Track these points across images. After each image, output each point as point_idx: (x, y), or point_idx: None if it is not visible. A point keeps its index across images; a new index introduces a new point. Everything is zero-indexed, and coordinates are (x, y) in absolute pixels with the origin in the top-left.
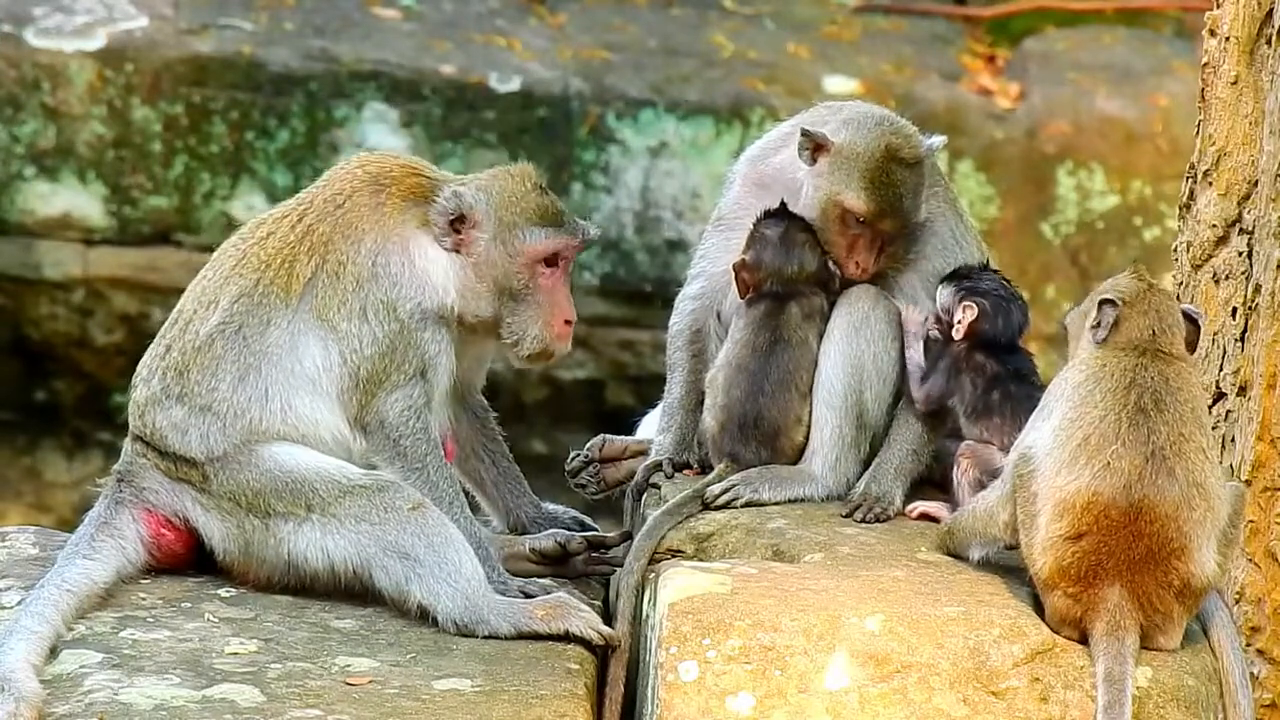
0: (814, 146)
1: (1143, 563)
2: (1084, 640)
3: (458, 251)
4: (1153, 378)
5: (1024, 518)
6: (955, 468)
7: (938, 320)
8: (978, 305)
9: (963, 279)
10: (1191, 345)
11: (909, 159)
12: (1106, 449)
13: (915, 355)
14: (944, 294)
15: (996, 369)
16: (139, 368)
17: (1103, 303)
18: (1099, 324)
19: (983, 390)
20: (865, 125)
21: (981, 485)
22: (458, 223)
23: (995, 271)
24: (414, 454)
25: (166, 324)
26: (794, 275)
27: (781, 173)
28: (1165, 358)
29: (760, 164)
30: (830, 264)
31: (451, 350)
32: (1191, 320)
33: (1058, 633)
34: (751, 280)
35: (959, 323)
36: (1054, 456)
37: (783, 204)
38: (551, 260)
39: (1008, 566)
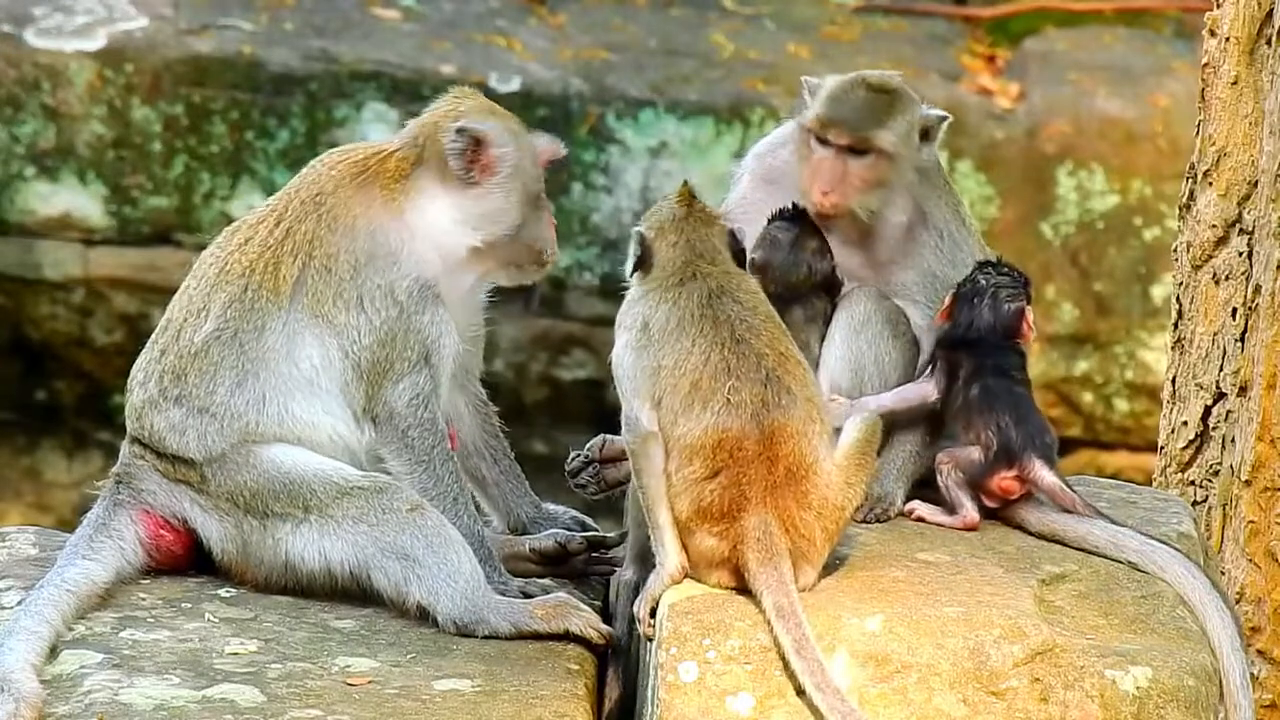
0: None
1: (783, 485)
2: (737, 583)
3: (477, 184)
4: (732, 308)
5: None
6: (939, 476)
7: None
8: (951, 295)
9: (973, 270)
10: (739, 258)
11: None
12: (723, 385)
13: (914, 393)
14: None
15: (975, 364)
16: (134, 372)
17: (635, 235)
18: (635, 256)
19: (963, 383)
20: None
21: (968, 485)
22: (476, 151)
23: (1008, 270)
24: (421, 446)
25: (157, 330)
26: (801, 281)
27: (790, 168)
28: (723, 276)
29: (768, 159)
30: (838, 270)
31: (454, 330)
32: (733, 235)
33: (705, 580)
34: (758, 282)
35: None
36: (666, 406)
37: (795, 205)
38: (546, 165)
39: (1008, 567)
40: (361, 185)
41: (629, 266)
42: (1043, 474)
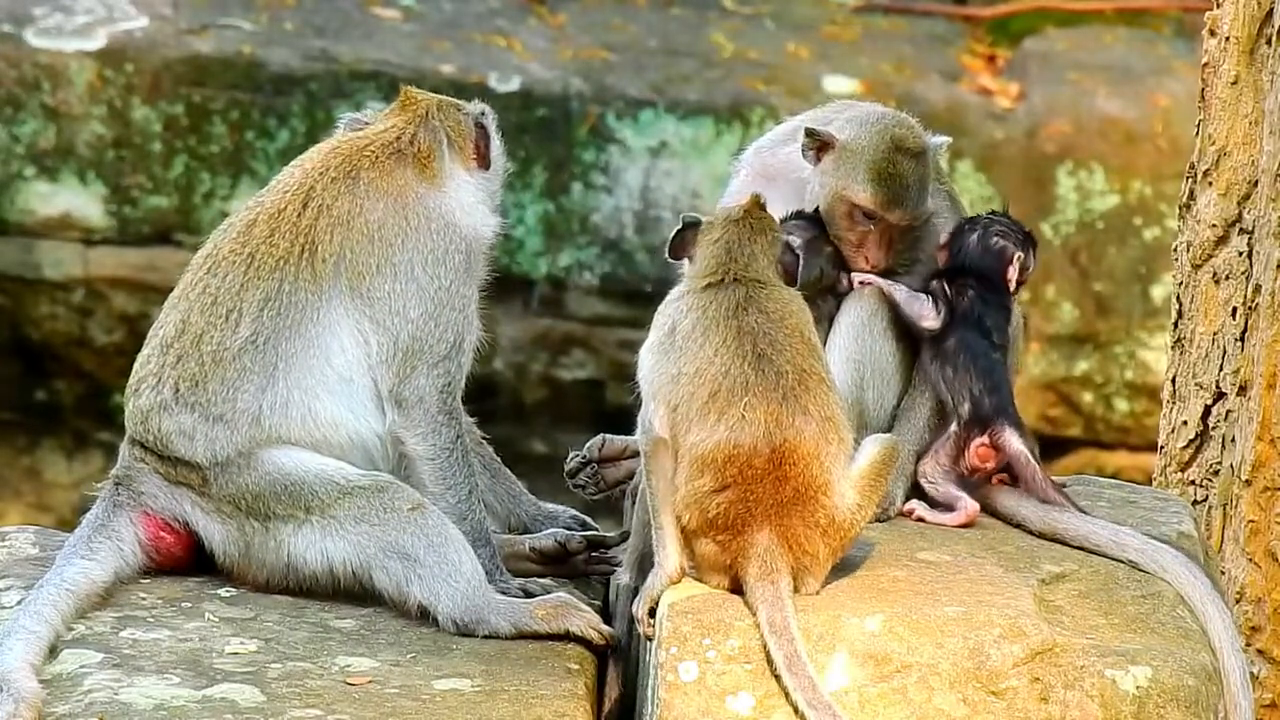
0: (818, 145)
1: (790, 504)
2: (736, 588)
3: (485, 170)
4: (756, 320)
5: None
6: (923, 482)
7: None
8: (950, 230)
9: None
10: (791, 275)
11: (914, 149)
12: (739, 401)
13: (915, 306)
14: None
15: (963, 310)
16: (141, 375)
17: (681, 219)
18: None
19: (947, 323)
20: (868, 121)
21: (960, 477)
22: (481, 139)
23: (1010, 219)
24: (448, 435)
25: (171, 335)
26: (813, 283)
27: (789, 166)
28: (754, 285)
29: (767, 155)
30: (844, 272)
31: (479, 318)
32: (789, 249)
33: (706, 582)
34: None
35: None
36: (681, 413)
37: (816, 211)
38: None
39: (1008, 566)
40: (399, 161)
41: (666, 249)
42: (1011, 440)
